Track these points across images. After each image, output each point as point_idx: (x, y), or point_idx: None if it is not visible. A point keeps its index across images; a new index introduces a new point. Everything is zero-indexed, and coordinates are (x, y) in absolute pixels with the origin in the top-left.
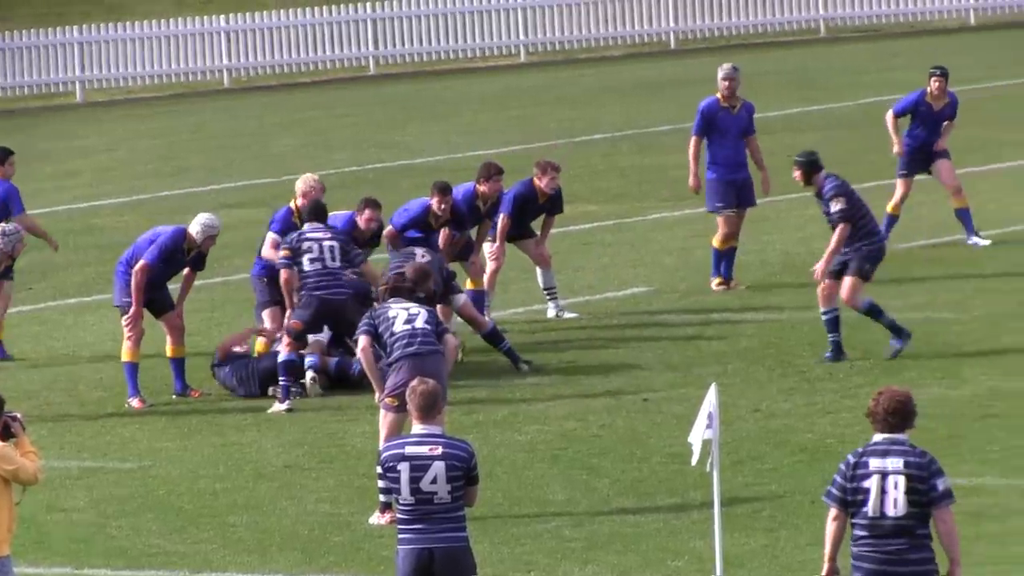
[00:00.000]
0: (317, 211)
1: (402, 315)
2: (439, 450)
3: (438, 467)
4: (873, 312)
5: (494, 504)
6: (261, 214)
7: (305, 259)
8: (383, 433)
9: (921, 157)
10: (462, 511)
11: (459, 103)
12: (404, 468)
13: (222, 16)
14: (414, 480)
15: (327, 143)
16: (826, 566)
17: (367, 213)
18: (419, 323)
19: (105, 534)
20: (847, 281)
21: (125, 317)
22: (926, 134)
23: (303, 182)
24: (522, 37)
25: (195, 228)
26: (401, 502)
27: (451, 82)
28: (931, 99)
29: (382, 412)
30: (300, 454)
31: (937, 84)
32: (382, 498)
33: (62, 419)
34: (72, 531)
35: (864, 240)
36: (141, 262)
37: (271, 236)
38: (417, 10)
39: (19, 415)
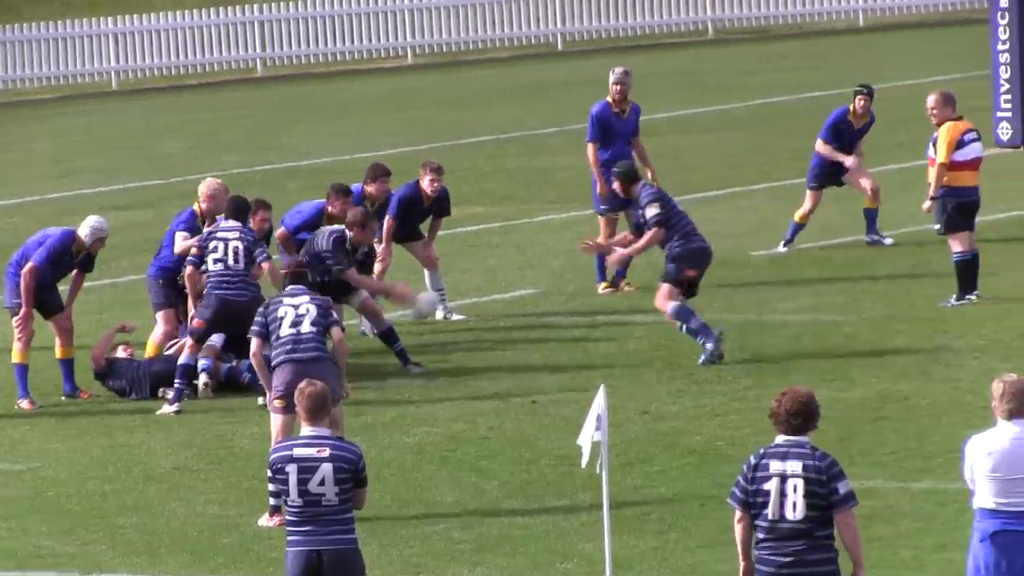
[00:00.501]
0: (237, 209)
1: (290, 315)
2: (327, 452)
3: (326, 469)
4: (681, 315)
5: (383, 506)
6: (149, 216)
7: (210, 259)
8: (274, 435)
9: (832, 171)
10: (351, 513)
11: (347, 105)
12: (292, 470)
13: (110, 18)
14: (302, 482)
15: (215, 145)
16: (743, 564)
17: (259, 214)
18: (304, 326)
19: None
20: (660, 287)
21: (15, 319)
22: (841, 151)
23: (207, 186)
24: (409, 39)
25: (84, 231)
26: (290, 504)
27: (339, 84)
28: (853, 117)
29: (272, 415)
30: (189, 456)
31: (862, 103)
32: (272, 501)
33: None
34: None
35: (677, 243)
36: (29, 264)
37: (180, 234)
38: (304, 12)
39: None
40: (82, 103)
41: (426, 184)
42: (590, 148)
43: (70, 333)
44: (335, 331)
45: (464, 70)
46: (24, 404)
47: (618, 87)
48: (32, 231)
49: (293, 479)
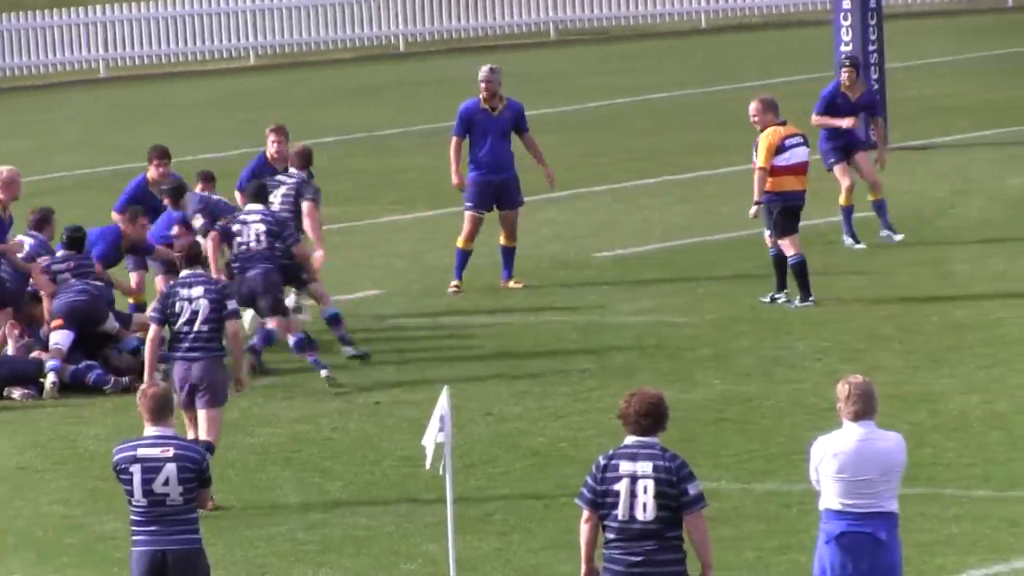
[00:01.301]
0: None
1: (186, 311)
2: (171, 452)
3: (170, 469)
4: (331, 321)
5: (227, 506)
6: None
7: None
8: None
9: (844, 145)
10: (195, 513)
11: (187, 106)
12: (136, 470)
13: None
14: (146, 482)
15: (54, 146)
16: (584, 567)
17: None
18: (197, 324)
19: None
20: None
21: None
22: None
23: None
24: (251, 40)
25: None
26: (134, 504)
27: (179, 85)
28: (845, 89)
29: None
30: (33, 456)
31: (847, 74)
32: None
33: None
34: None
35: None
36: None
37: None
38: (147, 12)
39: None
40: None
41: (272, 149)
42: (452, 141)
43: None
44: (229, 324)
45: (306, 71)
46: None
47: (484, 84)
48: None
49: (137, 479)
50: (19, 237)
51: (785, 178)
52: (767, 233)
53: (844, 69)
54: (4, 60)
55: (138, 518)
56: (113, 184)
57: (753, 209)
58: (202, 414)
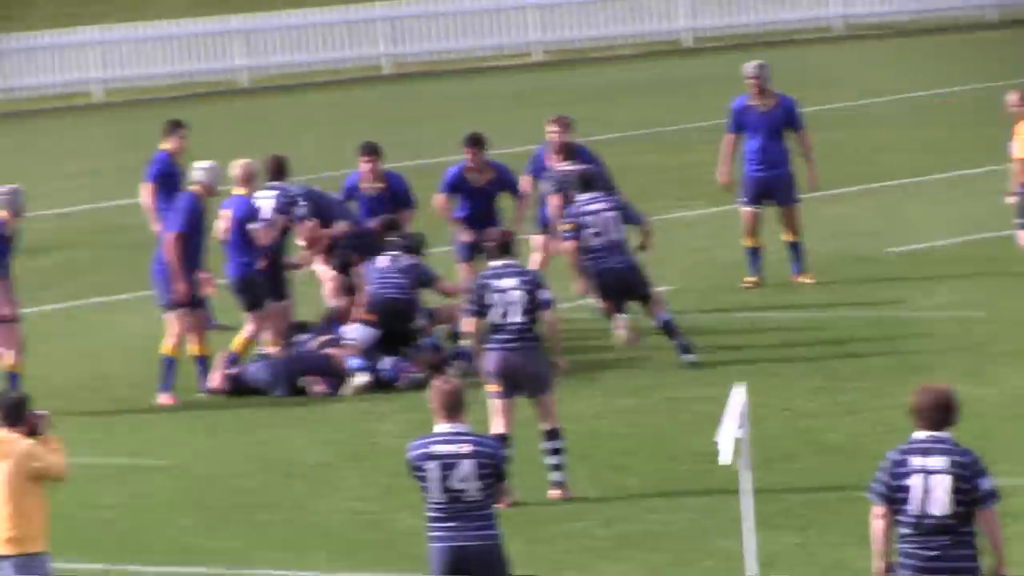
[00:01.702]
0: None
1: (499, 303)
2: (467, 448)
3: (467, 465)
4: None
5: (524, 503)
6: None
7: None
8: (492, 419)
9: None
10: (493, 508)
11: (475, 103)
12: (433, 466)
13: (238, 17)
14: (444, 478)
15: (342, 145)
16: (879, 562)
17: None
18: (513, 315)
19: (139, 531)
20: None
21: (172, 311)
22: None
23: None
24: (538, 36)
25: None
26: (431, 501)
27: (466, 82)
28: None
29: (489, 399)
30: (331, 452)
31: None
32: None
33: (93, 417)
34: (105, 528)
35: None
36: (170, 234)
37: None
38: (433, 9)
39: (45, 413)
40: (213, 100)
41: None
42: (724, 139)
43: (205, 329)
44: (545, 315)
45: (592, 67)
46: (164, 399)
47: (751, 81)
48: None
49: (435, 475)
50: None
51: None
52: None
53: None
54: (291, 57)
55: (436, 514)
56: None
57: (1011, 199)
58: (535, 401)
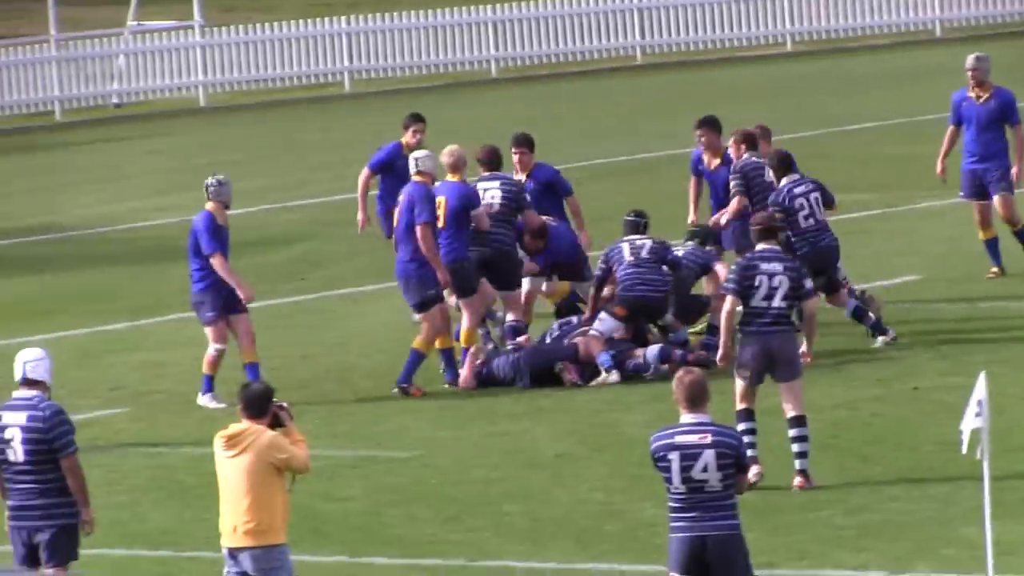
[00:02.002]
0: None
1: (764, 286)
2: (709, 438)
3: (709, 455)
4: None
5: (764, 493)
6: None
7: None
8: (737, 398)
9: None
10: (733, 499)
11: (723, 93)
12: (675, 457)
13: (488, 6)
14: (685, 469)
15: (597, 132)
16: None
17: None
18: (776, 300)
19: (380, 523)
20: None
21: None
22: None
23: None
24: (788, 26)
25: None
26: (673, 491)
27: (715, 72)
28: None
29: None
30: (573, 443)
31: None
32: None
33: (336, 408)
34: (347, 520)
35: None
36: (422, 225)
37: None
38: (682, 0)
39: (287, 405)
40: (461, 91)
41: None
42: (948, 131)
43: (448, 322)
44: (808, 304)
45: (843, 57)
46: (411, 391)
47: (969, 72)
48: None
49: (676, 466)
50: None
51: None
52: None
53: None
54: (545, 47)
55: (677, 505)
56: (649, 170)
57: None
58: (785, 387)
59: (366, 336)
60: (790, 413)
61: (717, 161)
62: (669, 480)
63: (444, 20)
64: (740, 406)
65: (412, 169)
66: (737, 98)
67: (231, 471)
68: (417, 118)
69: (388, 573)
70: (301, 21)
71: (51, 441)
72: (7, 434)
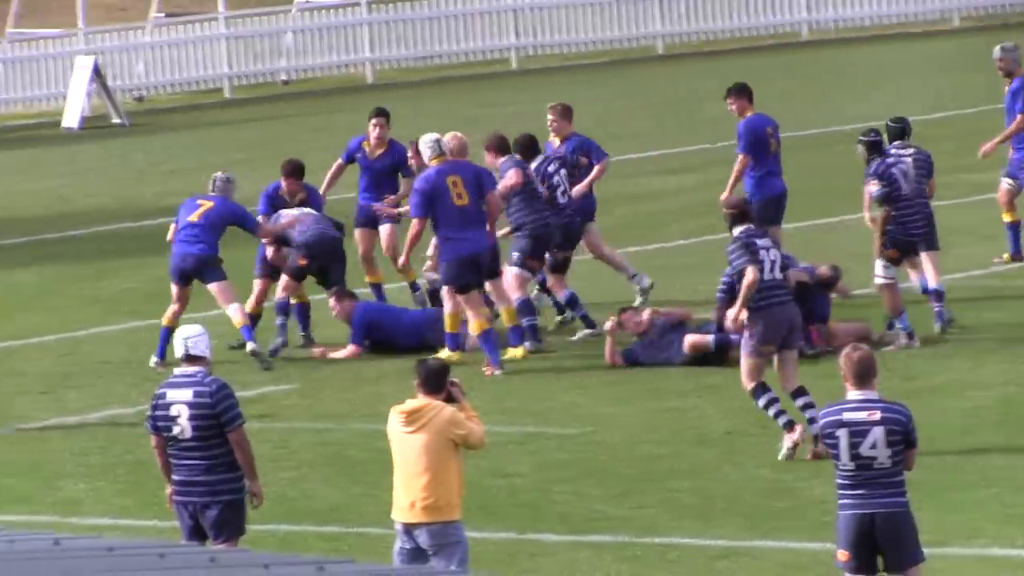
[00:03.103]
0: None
1: (767, 261)
2: (877, 415)
3: (877, 432)
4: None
5: (934, 471)
6: (696, 179)
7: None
8: (747, 380)
9: None
10: (902, 476)
11: (890, 69)
12: (843, 434)
13: None
14: (854, 446)
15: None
16: None
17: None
18: (777, 272)
19: (548, 500)
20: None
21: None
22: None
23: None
24: (956, 3)
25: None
26: (841, 468)
27: (882, 48)
28: None
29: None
30: (741, 420)
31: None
32: (780, 421)
33: (504, 384)
34: (516, 497)
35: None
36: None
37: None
38: None
39: (458, 381)
40: (627, 67)
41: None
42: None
43: None
44: (790, 274)
45: (1014, 32)
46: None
47: (997, 63)
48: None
49: (844, 443)
50: None
51: None
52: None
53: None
54: (705, 23)
55: (845, 482)
56: (818, 144)
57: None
58: (787, 357)
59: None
60: (794, 384)
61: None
62: (837, 457)
63: None
64: (753, 383)
65: (435, 152)
66: (897, 75)
67: (409, 447)
68: (379, 112)
69: (555, 550)
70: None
71: (219, 415)
72: (173, 411)
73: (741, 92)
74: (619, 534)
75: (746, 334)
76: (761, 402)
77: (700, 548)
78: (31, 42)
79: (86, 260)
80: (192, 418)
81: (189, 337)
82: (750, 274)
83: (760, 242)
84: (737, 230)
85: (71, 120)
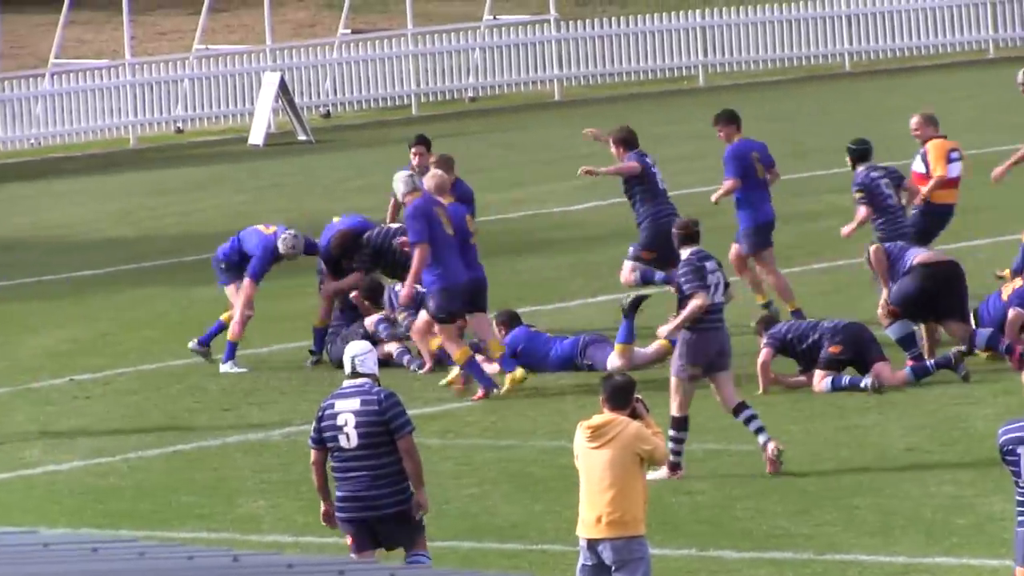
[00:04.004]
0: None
1: (712, 285)
2: None
3: None
4: None
5: None
6: None
7: None
8: (678, 408)
9: None
10: None
11: None
12: (1023, 451)
13: (843, 1)
14: None
15: (945, 126)
16: None
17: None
18: (719, 295)
19: (730, 516)
20: None
21: None
22: None
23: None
24: None
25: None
26: (1020, 485)
27: None
28: None
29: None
30: (923, 437)
31: None
32: (672, 457)
33: None
34: (697, 513)
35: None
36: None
37: None
38: None
39: (641, 397)
40: (815, 85)
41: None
42: None
43: None
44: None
45: None
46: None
47: (1021, 88)
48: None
49: None
50: None
51: (941, 191)
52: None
53: None
54: (897, 41)
55: (1022, 499)
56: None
57: (911, 211)
58: (725, 377)
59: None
60: (735, 401)
61: None
62: (1017, 474)
63: (799, 14)
64: (682, 413)
65: (409, 187)
66: None
67: (595, 462)
68: (419, 140)
69: (736, 566)
70: (656, 15)
71: (387, 422)
72: (339, 420)
73: (730, 119)
74: (800, 551)
75: (676, 353)
76: (671, 432)
77: (880, 565)
78: (218, 58)
79: (272, 277)
80: (359, 426)
81: (357, 355)
82: (699, 299)
83: (708, 264)
84: (686, 252)
85: (257, 137)
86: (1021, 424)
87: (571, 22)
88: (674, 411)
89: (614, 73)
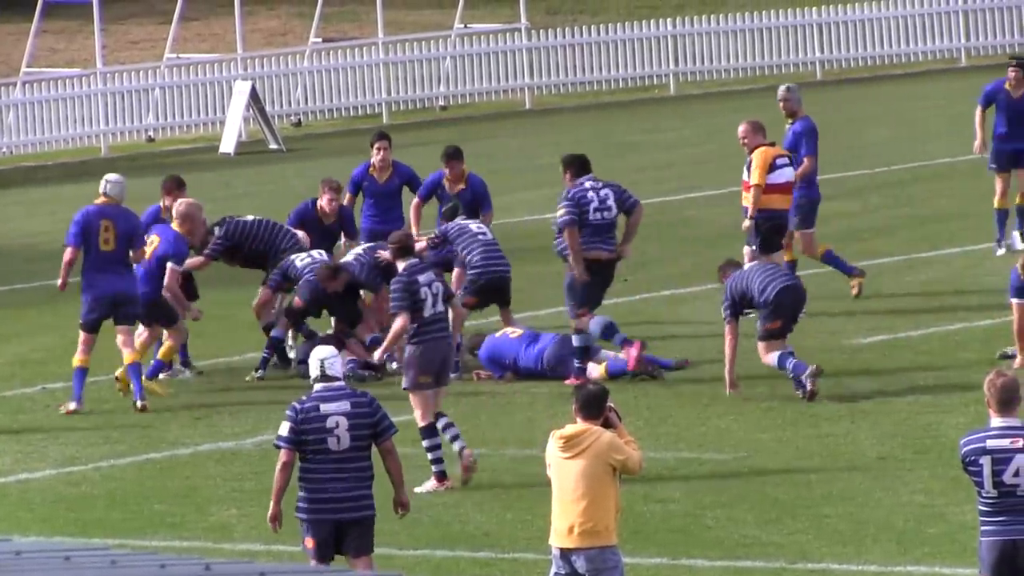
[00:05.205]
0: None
1: (429, 296)
2: (1020, 443)
3: (1020, 460)
4: None
5: None
6: (855, 206)
7: None
8: (423, 416)
9: (1008, 154)
10: None
11: None
12: (986, 461)
13: (814, 9)
14: (996, 473)
15: (917, 134)
16: None
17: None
18: (439, 305)
19: (701, 525)
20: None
21: None
22: (1007, 128)
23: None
24: None
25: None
26: (983, 495)
27: None
28: (1009, 87)
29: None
30: (894, 445)
31: (1015, 74)
32: (434, 468)
33: (657, 410)
34: (669, 522)
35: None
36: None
37: None
38: (1008, 2)
39: (614, 406)
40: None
41: (324, 203)
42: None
43: None
44: (454, 304)
45: None
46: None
47: (1012, 73)
48: (735, 221)
49: (987, 470)
50: None
51: (774, 196)
52: (747, 249)
53: (1011, 69)
54: (868, 49)
55: (987, 508)
56: (977, 171)
57: (746, 223)
58: (442, 392)
59: (688, 336)
60: (437, 408)
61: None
62: (980, 484)
63: (770, 23)
64: (427, 421)
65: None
66: None
67: (568, 472)
68: (381, 136)
69: (708, 575)
70: (626, 23)
71: (376, 424)
72: (330, 422)
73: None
74: (772, 559)
75: (406, 366)
76: (425, 443)
77: (852, 573)
78: (189, 67)
79: (243, 284)
80: (352, 428)
81: (326, 359)
82: (400, 320)
83: (422, 278)
84: (401, 265)
85: (228, 145)
86: (982, 435)
87: (542, 31)
88: (419, 421)
89: (585, 82)
